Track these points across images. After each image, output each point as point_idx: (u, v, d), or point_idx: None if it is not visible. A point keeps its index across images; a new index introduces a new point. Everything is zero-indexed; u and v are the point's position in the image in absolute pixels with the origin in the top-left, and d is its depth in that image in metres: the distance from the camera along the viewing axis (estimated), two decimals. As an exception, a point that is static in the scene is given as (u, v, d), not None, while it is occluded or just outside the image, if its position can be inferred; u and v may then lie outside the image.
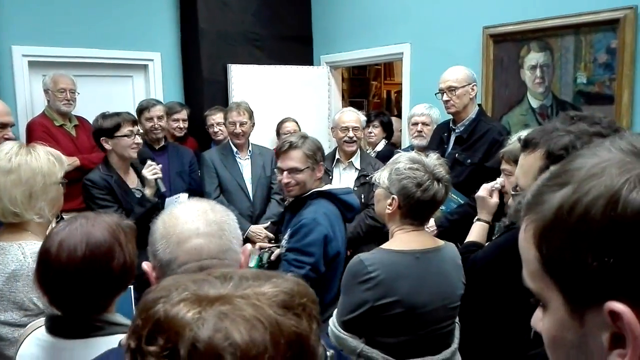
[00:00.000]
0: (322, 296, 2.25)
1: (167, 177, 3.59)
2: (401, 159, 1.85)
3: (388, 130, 4.46)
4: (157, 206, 2.86)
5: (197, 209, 1.15)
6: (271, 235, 3.53)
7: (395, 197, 1.82)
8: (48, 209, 1.79)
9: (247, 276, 0.67)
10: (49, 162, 1.81)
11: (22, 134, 4.03)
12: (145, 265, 1.16)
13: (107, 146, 2.93)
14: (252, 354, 0.58)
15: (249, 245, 1.21)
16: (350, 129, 3.50)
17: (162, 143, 3.77)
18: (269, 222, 3.65)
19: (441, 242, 1.93)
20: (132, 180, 3.03)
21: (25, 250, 1.71)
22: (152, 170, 2.96)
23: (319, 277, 2.34)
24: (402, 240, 1.85)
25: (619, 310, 0.51)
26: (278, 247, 2.59)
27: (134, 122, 3.01)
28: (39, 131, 3.76)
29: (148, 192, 2.95)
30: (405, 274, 1.77)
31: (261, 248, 2.70)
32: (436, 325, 1.83)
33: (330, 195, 2.47)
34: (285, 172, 2.44)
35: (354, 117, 3.56)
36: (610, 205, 0.51)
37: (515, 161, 1.82)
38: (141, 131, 3.11)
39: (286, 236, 2.46)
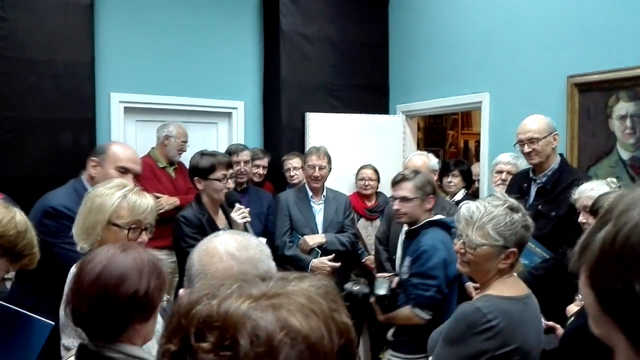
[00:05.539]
0: (440, 317, 2.43)
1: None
2: (495, 211, 1.75)
3: (467, 179, 4.35)
4: None
5: (229, 245, 1.22)
6: (336, 264, 3.58)
7: (515, 249, 1.76)
8: (88, 243, 1.86)
9: (284, 276, 0.69)
10: (112, 203, 1.88)
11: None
12: (182, 292, 1.24)
13: (200, 186, 2.95)
14: (312, 340, 0.60)
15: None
16: None
17: (244, 185, 3.94)
18: (333, 255, 3.65)
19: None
20: (220, 221, 3.03)
21: None
22: (241, 214, 2.94)
23: (443, 297, 2.59)
24: (507, 285, 1.80)
25: None
26: (397, 275, 2.86)
27: (229, 165, 2.99)
28: (146, 171, 3.98)
29: None
30: (520, 320, 1.74)
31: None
32: None
33: (442, 224, 2.70)
34: (397, 200, 2.78)
35: (418, 162, 3.51)
36: None
37: None
38: (234, 175, 3.06)
39: (406, 263, 2.74)
